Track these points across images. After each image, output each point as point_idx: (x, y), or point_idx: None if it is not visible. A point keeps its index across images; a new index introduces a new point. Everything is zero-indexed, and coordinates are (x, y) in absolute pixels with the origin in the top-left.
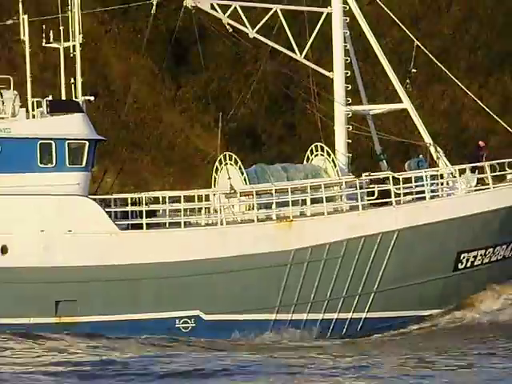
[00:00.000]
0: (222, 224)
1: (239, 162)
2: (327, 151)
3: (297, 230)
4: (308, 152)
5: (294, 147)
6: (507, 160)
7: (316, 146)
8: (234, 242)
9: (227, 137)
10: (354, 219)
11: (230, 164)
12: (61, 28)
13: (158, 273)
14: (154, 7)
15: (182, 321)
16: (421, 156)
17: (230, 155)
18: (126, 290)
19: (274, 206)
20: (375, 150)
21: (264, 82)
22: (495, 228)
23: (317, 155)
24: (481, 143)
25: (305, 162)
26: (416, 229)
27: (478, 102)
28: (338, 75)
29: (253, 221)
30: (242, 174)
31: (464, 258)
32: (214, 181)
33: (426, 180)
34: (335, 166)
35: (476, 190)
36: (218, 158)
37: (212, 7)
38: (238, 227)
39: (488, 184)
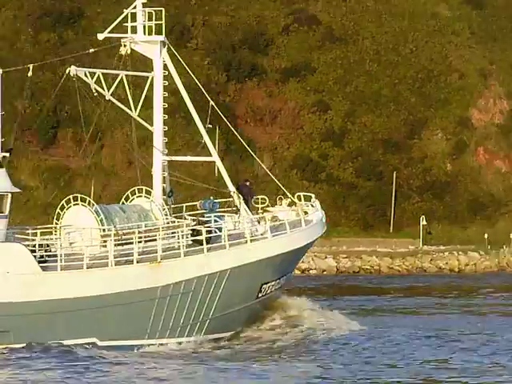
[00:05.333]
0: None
1: (95, 205)
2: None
3: (164, 269)
4: (128, 193)
5: None
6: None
7: (140, 189)
8: (120, 280)
9: None
10: (202, 260)
11: (83, 205)
12: None
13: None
14: (29, 72)
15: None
16: (211, 197)
17: (82, 197)
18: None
19: (135, 247)
20: (165, 189)
21: None
22: (285, 264)
23: (139, 196)
24: (247, 182)
25: (122, 201)
26: (242, 267)
27: None
28: (157, 129)
29: (132, 262)
30: (99, 215)
31: (263, 288)
32: (58, 216)
33: (247, 224)
34: (164, 209)
35: (276, 235)
36: (66, 198)
37: (85, 75)
38: (124, 268)
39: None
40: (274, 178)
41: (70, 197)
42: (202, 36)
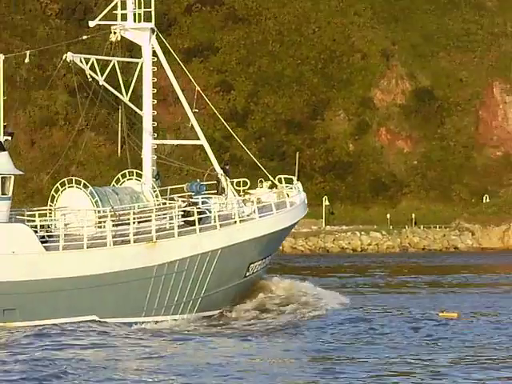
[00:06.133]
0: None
1: (90, 187)
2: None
3: (159, 249)
4: (119, 175)
5: None
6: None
7: (131, 172)
8: (118, 260)
9: None
10: (194, 240)
11: (77, 187)
12: None
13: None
14: (27, 57)
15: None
16: (198, 180)
17: (77, 180)
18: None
19: (131, 226)
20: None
21: None
22: (271, 244)
23: (130, 179)
24: (227, 165)
25: (113, 183)
26: (233, 246)
27: None
28: (146, 114)
29: (129, 241)
30: (94, 197)
31: (251, 267)
32: (52, 198)
33: (237, 205)
34: (154, 191)
35: (262, 216)
36: (61, 181)
37: (80, 61)
38: (122, 247)
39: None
40: (259, 165)
41: (65, 180)
42: (105, 16)
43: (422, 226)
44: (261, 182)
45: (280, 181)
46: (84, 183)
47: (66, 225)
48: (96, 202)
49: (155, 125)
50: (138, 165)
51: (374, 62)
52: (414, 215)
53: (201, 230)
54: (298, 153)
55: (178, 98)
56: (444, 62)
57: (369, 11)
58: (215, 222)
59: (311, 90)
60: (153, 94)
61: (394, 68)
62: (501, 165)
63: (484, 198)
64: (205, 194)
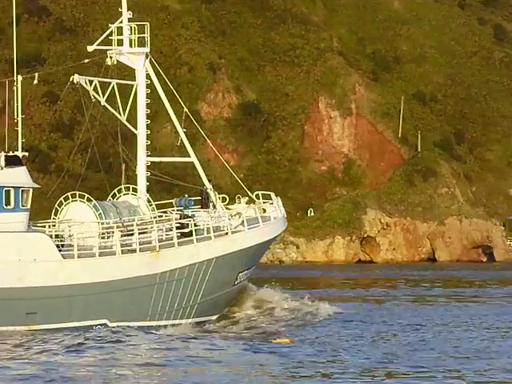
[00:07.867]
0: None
1: (93, 201)
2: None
3: (161, 258)
4: (115, 191)
5: None
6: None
7: (127, 187)
8: (126, 267)
9: None
10: (192, 250)
11: (81, 201)
12: None
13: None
14: (36, 79)
15: (95, 327)
16: (186, 195)
17: (80, 194)
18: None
19: (135, 236)
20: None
21: None
22: (257, 254)
23: (126, 194)
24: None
25: (109, 197)
26: (226, 256)
27: None
28: (141, 133)
29: (134, 251)
30: (98, 210)
31: (239, 276)
32: (56, 212)
33: (227, 218)
34: (150, 205)
35: (250, 228)
36: (64, 195)
37: (85, 82)
38: (129, 256)
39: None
40: (244, 186)
41: (68, 194)
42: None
43: None
44: (238, 198)
45: (257, 196)
46: (88, 197)
47: (76, 235)
48: (100, 214)
49: (149, 143)
50: None
51: (201, 75)
52: None
53: (197, 240)
54: (123, 165)
55: (2, 108)
56: (270, 76)
57: (196, 24)
58: (209, 233)
59: None
60: None
61: (220, 81)
62: (325, 179)
63: (309, 211)
64: (192, 208)
